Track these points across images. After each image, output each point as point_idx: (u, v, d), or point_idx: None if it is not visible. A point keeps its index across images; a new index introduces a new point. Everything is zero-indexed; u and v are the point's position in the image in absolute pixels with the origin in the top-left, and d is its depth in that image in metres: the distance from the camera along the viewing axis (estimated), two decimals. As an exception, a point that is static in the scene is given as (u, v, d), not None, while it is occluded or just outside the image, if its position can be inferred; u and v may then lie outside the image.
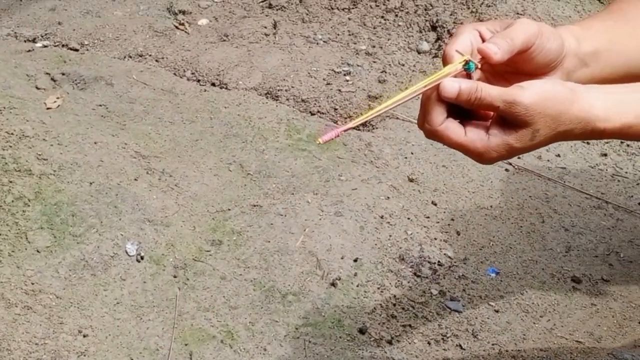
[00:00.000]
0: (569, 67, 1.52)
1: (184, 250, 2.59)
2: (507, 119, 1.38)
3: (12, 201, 2.58)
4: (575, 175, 3.06)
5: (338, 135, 1.42)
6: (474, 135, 1.40)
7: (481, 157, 1.41)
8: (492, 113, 1.44)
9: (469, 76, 1.42)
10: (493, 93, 1.36)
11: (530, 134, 1.38)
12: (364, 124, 3.32)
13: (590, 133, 1.44)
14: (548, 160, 3.14)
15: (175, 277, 2.51)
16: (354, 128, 1.48)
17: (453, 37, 1.46)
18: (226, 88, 3.52)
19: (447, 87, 1.37)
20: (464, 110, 1.43)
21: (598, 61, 1.56)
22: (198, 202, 2.78)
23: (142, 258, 2.52)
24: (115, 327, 2.33)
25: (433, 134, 1.41)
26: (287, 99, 3.44)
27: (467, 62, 1.41)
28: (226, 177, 2.92)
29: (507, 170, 3.07)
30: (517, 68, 1.49)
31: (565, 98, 1.39)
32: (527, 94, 1.35)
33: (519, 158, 3.13)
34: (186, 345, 2.31)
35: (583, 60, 1.53)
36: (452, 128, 1.40)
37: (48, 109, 3.14)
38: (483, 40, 1.45)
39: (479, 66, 1.43)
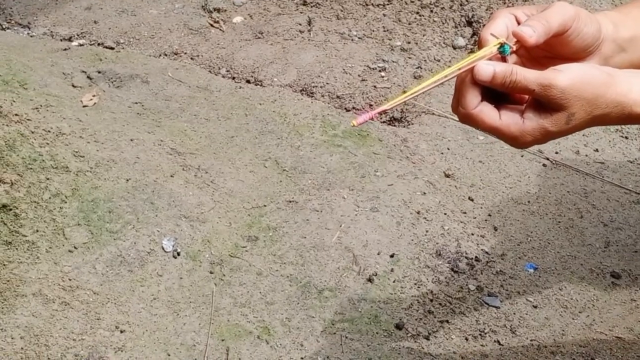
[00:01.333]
0: (606, 53, 1.49)
1: (220, 246, 2.59)
2: (543, 103, 1.36)
3: (50, 198, 2.59)
4: (614, 170, 3.02)
5: (373, 118, 1.40)
6: (508, 119, 1.38)
7: (516, 140, 1.39)
8: (526, 97, 1.42)
9: (504, 59, 1.40)
10: (528, 76, 1.34)
11: (565, 118, 1.36)
12: (399, 119, 3.30)
13: (626, 117, 1.41)
14: (586, 155, 3.10)
15: (211, 272, 2.50)
16: (388, 111, 1.46)
17: (489, 21, 1.45)
18: (261, 85, 3.52)
19: (481, 70, 1.35)
20: (499, 94, 1.41)
21: (636, 47, 1.53)
22: (234, 199, 2.78)
23: (178, 254, 2.53)
24: (152, 323, 2.34)
25: (467, 118, 1.39)
26: (322, 96, 3.43)
27: (502, 45, 1.39)
28: (262, 173, 2.92)
29: (544, 165, 3.03)
30: (553, 52, 1.46)
31: (602, 82, 1.36)
32: (563, 77, 1.33)
33: (556, 153, 3.10)
34: (223, 340, 2.31)
35: (621, 45, 1.51)
36: (487, 111, 1.38)
37: (84, 106, 3.16)
38: (519, 24, 1.43)
39: (514, 49, 1.40)
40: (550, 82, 1.33)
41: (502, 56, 1.40)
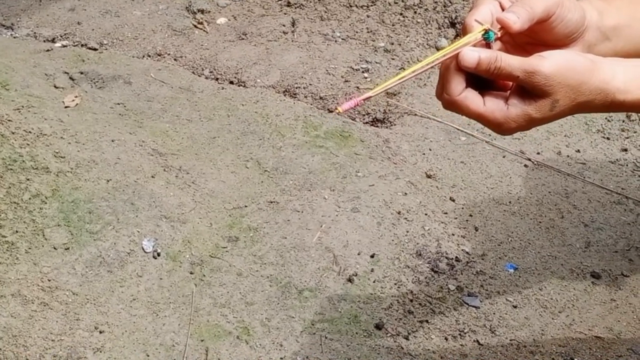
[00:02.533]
0: (590, 40, 1.50)
1: (201, 247, 2.58)
2: (527, 89, 1.37)
3: (30, 198, 2.59)
4: (595, 170, 3.03)
5: (358, 104, 1.40)
6: (493, 105, 1.38)
7: (500, 127, 1.40)
8: (511, 83, 1.43)
9: (488, 46, 1.41)
10: (513, 62, 1.34)
11: (549, 104, 1.36)
12: (382, 119, 3.31)
13: (609, 105, 1.41)
14: (568, 156, 3.11)
15: (191, 273, 2.50)
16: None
17: (473, 7, 1.45)
18: (244, 86, 3.51)
19: (466, 56, 1.36)
20: (483, 81, 1.41)
21: (619, 36, 1.54)
22: (215, 199, 2.78)
23: (158, 255, 2.52)
24: (131, 324, 2.33)
25: (451, 104, 1.40)
26: (305, 97, 3.43)
27: (486, 32, 1.40)
28: (243, 174, 2.91)
29: (526, 166, 3.04)
30: (537, 39, 1.47)
31: (586, 68, 1.37)
32: (547, 64, 1.34)
33: (538, 154, 3.11)
34: (202, 341, 2.30)
35: (605, 34, 1.51)
36: (471, 98, 1.38)
37: (66, 107, 3.15)
38: (503, 11, 1.44)
39: (499, 35, 1.41)
40: (534, 68, 1.33)
41: (486, 43, 1.41)
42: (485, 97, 1.40)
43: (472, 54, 1.36)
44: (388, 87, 1.42)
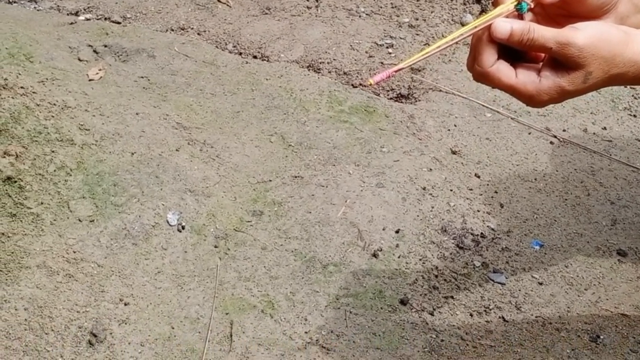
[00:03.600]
0: (622, 12, 1.47)
1: (225, 221, 2.58)
2: (560, 61, 1.35)
3: (55, 170, 2.59)
4: (622, 148, 3.00)
5: (390, 77, 1.39)
6: (525, 77, 1.36)
7: (532, 99, 1.38)
8: (543, 55, 1.41)
9: (520, 17, 1.39)
10: (546, 34, 1.32)
11: (582, 77, 1.34)
12: (406, 95, 3.28)
13: None
14: (594, 133, 3.08)
15: (216, 247, 2.50)
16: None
17: None
18: (268, 61, 3.50)
19: (499, 27, 1.34)
20: (515, 53, 1.40)
21: None
22: (239, 173, 2.77)
23: (183, 228, 2.52)
24: (156, 296, 2.33)
25: (483, 76, 1.38)
26: (329, 72, 3.41)
27: (519, 2, 1.38)
28: (267, 148, 2.90)
29: (551, 143, 3.02)
30: (569, 11, 1.45)
31: (620, 40, 1.35)
32: (580, 35, 1.32)
33: (564, 131, 3.08)
34: (227, 314, 2.30)
35: (637, 6, 1.49)
36: (503, 70, 1.37)
37: (90, 80, 3.14)
38: None
39: (532, 6, 1.39)
40: (568, 40, 1.31)
41: (519, 14, 1.39)
42: (517, 69, 1.39)
43: (504, 25, 1.34)
44: (420, 58, 1.41)
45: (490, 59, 1.37)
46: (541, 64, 1.40)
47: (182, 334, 2.24)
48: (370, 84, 1.40)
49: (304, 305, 2.34)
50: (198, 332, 2.25)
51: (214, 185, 2.69)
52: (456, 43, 1.38)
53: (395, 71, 1.40)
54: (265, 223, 2.59)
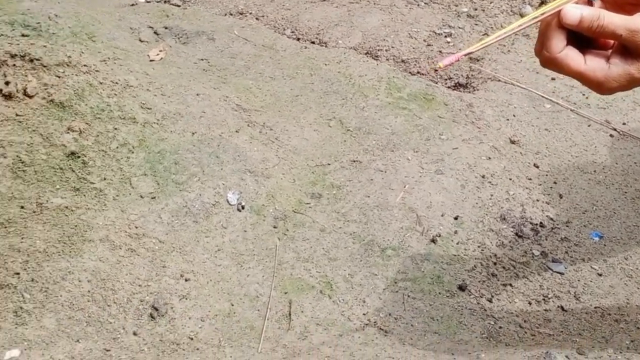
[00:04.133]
0: None
1: (284, 202, 2.59)
2: (630, 49, 1.34)
3: (117, 147, 2.62)
4: (683, 142, 2.98)
5: (458, 60, 1.39)
6: (594, 64, 1.36)
7: (600, 86, 1.37)
8: (611, 42, 1.40)
9: (590, 4, 1.38)
10: (616, 21, 1.31)
11: None
12: (464, 84, 3.27)
13: None
14: (655, 127, 3.06)
15: (275, 227, 2.51)
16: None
17: None
18: (326, 46, 3.50)
19: (569, 13, 1.33)
20: (584, 39, 1.39)
21: None
22: (298, 156, 2.78)
23: (242, 207, 2.54)
24: (216, 273, 2.35)
25: (551, 62, 1.37)
26: (387, 59, 3.41)
27: None
28: (326, 132, 2.91)
29: (611, 135, 2.99)
30: None
31: None
32: None
33: (624, 124, 3.06)
34: (286, 293, 2.32)
35: None
36: (572, 56, 1.36)
37: (151, 61, 3.17)
38: None
39: None
40: (638, 27, 1.30)
41: (588, 0, 1.38)
42: (586, 56, 1.38)
43: (574, 11, 1.33)
44: (489, 43, 1.40)
45: (559, 45, 1.36)
46: (610, 51, 1.39)
47: (242, 311, 2.26)
48: (440, 67, 1.40)
49: (362, 287, 2.35)
50: (257, 310, 2.27)
51: (273, 166, 2.71)
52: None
53: (465, 55, 1.40)
54: (324, 205, 2.60)
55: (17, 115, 2.66)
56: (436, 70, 1.36)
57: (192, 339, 2.17)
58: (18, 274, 2.22)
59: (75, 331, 2.13)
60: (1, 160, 2.52)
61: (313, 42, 3.52)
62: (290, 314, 2.26)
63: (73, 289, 2.21)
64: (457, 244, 2.48)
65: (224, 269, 2.36)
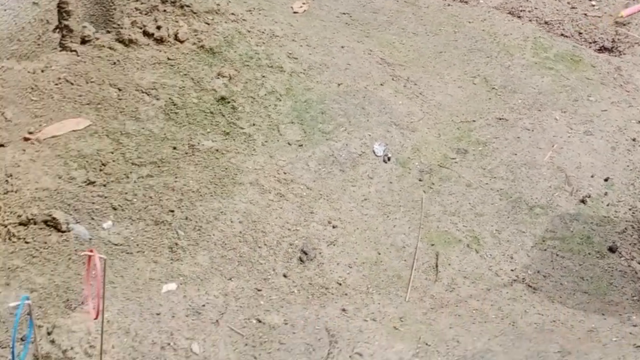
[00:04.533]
0: None
1: (430, 156, 2.58)
2: None
3: (265, 95, 2.64)
4: None
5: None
6: None
7: None
8: None
9: None
10: None
11: None
12: (610, 48, 3.20)
13: None
14: None
15: (420, 180, 2.51)
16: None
17: None
18: (467, 4, 3.46)
19: None
20: None
21: None
22: (442, 112, 2.76)
23: (388, 159, 2.54)
24: (363, 222, 2.36)
25: None
26: (530, 20, 3.35)
27: None
28: (470, 89, 2.88)
29: None
30: None
31: None
32: None
33: None
34: (432, 245, 2.31)
35: None
36: None
37: (294, 13, 3.19)
38: None
39: None
40: None
41: None
42: None
43: None
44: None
45: None
46: None
47: (389, 260, 2.27)
48: (621, 16, 1.37)
49: (510, 243, 2.32)
50: (404, 260, 2.27)
51: (418, 120, 2.69)
52: None
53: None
54: (470, 161, 2.58)
55: (168, 59, 2.71)
56: (617, 23, 1.31)
57: (340, 284, 2.19)
58: (172, 211, 2.27)
59: (228, 270, 2.16)
60: (154, 102, 2.57)
61: (455, 0, 3.48)
62: (437, 266, 2.26)
63: (225, 229, 2.25)
64: (607, 205, 2.43)
65: (371, 218, 2.37)
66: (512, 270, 2.24)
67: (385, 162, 2.53)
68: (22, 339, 1.91)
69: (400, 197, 2.45)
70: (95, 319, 1.47)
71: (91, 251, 1.43)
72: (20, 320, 1.97)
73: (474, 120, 2.74)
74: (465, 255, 2.28)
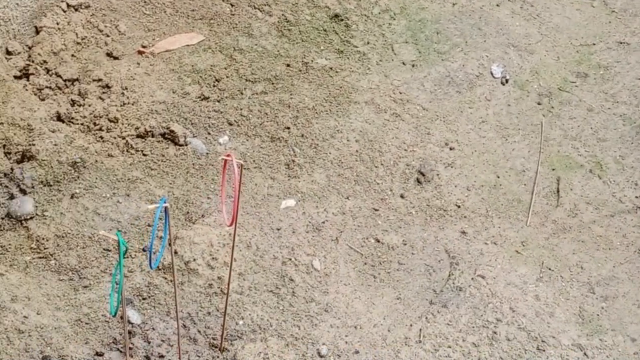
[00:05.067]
0: None
1: (548, 79, 2.50)
2: None
3: (379, 13, 2.58)
4: None
5: None
6: None
7: None
8: None
9: None
10: None
11: None
12: None
13: None
14: None
15: (539, 104, 2.43)
16: None
17: None
18: None
19: None
20: None
21: None
22: (561, 34, 2.66)
23: (506, 81, 2.46)
24: (480, 145, 2.30)
25: None
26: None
27: None
28: (589, 12, 2.77)
29: None
30: None
31: None
32: None
33: None
34: (553, 170, 2.24)
35: None
36: None
37: None
38: None
39: None
40: None
41: None
42: None
43: None
44: None
45: None
46: None
47: (508, 184, 2.21)
48: None
49: (634, 170, 2.24)
50: (524, 185, 2.21)
51: (536, 43, 2.61)
52: None
53: None
54: (591, 85, 2.49)
55: (280, -25, 2.66)
56: None
57: (459, 206, 2.14)
58: (288, 128, 2.24)
59: (345, 188, 2.13)
60: (267, 18, 2.53)
61: None
62: (558, 191, 2.19)
63: (342, 147, 2.21)
64: None
65: (489, 141, 2.31)
66: (636, 197, 2.17)
67: (503, 85, 2.46)
68: (143, 250, 1.92)
69: (519, 120, 2.38)
70: (230, 225, 1.45)
71: (228, 155, 1.40)
72: (141, 232, 1.98)
73: (593, 44, 2.64)
74: (588, 181, 2.21)
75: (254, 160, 2.16)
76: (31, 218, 1.94)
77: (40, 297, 1.81)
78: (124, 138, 2.15)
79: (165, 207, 1.35)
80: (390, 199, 2.14)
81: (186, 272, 1.86)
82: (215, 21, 2.50)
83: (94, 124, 2.16)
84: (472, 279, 1.94)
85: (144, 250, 1.91)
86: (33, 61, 2.26)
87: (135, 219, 1.99)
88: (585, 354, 1.82)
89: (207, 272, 1.86)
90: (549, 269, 1.99)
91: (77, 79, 2.26)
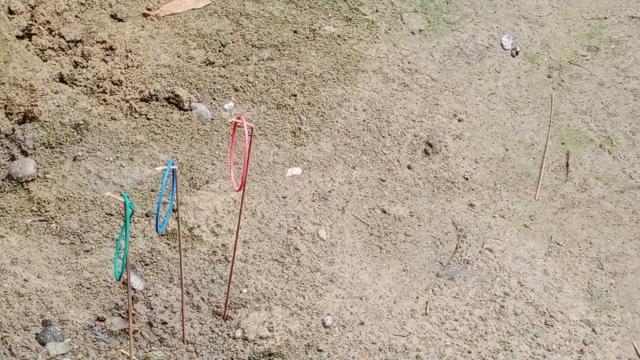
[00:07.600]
0: None
1: (559, 52, 2.46)
2: None
3: (388, -19, 2.54)
4: None
5: None
6: None
7: None
8: None
9: None
10: None
11: None
12: None
13: None
14: None
15: (549, 77, 2.39)
16: None
17: None
18: None
19: None
20: None
21: None
22: (572, 7, 2.62)
23: (516, 53, 2.42)
24: (489, 117, 2.26)
25: None
26: None
27: None
28: (600, -14, 2.74)
29: None
30: None
31: None
32: None
33: None
34: (562, 144, 2.21)
35: None
36: None
37: None
38: None
39: None
40: None
41: None
42: None
43: None
44: None
45: None
46: None
47: (517, 157, 2.18)
48: None
49: (646, 146, 2.22)
50: (532, 158, 2.18)
51: (547, 15, 2.56)
52: None
53: None
54: (602, 59, 2.45)
55: (288, -60, 2.61)
56: None
57: (466, 179, 2.11)
58: (295, 95, 2.20)
59: (351, 158, 2.10)
60: (274, -17, 2.49)
61: None
62: (567, 165, 2.16)
63: (349, 116, 2.18)
64: None
65: (498, 113, 2.27)
66: (647, 173, 2.14)
67: (513, 56, 2.42)
68: (146, 215, 1.88)
69: (529, 92, 2.34)
70: (238, 190, 1.41)
71: (239, 118, 1.37)
72: (144, 197, 1.94)
73: (605, 18, 2.60)
74: (598, 156, 2.18)
75: (259, 127, 2.12)
76: (32, 180, 1.90)
77: (41, 261, 1.78)
78: (127, 101, 2.11)
79: (173, 170, 1.32)
80: (397, 169, 2.10)
81: (190, 239, 1.83)
82: (221, -15, 2.45)
83: (97, 86, 2.12)
84: (480, 252, 1.91)
85: (146, 215, 1.88)
86: (36, 21, 2.22)
87: (138, 183, 1.95)
88: (593, 330, 1.79)
89: (211, 239, 1.83)
90: (558, 244, 1.96)
91: (80, 40, 2.22)
